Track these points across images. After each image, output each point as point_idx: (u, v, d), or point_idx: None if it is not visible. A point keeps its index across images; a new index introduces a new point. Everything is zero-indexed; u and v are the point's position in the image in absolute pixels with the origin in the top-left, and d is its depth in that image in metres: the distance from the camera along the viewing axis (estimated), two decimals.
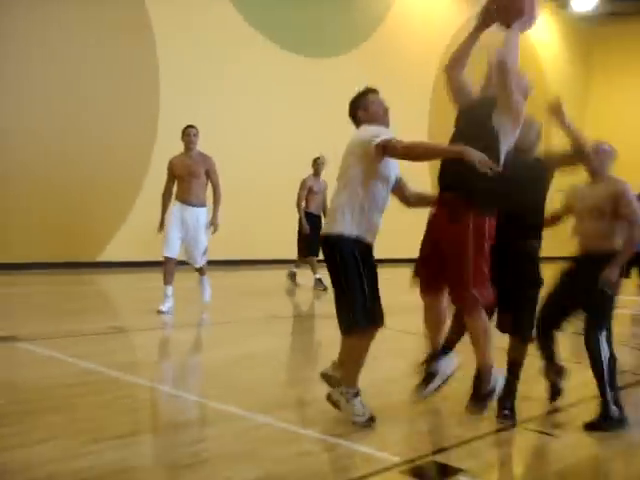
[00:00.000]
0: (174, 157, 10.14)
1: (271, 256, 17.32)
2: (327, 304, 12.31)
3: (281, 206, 17.00)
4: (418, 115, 21.79)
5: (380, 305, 5.38)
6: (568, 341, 10.31)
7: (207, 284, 10.48)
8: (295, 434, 5.21)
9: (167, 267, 9.85)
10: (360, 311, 5.16)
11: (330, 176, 17.65)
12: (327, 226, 5.41)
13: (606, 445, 5.63)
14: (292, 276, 13.90)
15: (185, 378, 6.86)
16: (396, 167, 5.54)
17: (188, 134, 9.99)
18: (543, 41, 27.42)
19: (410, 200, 5.74)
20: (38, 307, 10.31)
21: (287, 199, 15.95)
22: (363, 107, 5.58)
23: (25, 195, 13.40)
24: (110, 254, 14.60)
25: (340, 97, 19.61)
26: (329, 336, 9.82)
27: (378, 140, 5.16)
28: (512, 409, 5.72)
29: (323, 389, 5.57)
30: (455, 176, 5.27)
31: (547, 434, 5.61)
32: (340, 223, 5.23)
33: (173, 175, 10.03)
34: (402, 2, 21.32)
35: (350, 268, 5.14)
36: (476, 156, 4.80)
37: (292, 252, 14.19)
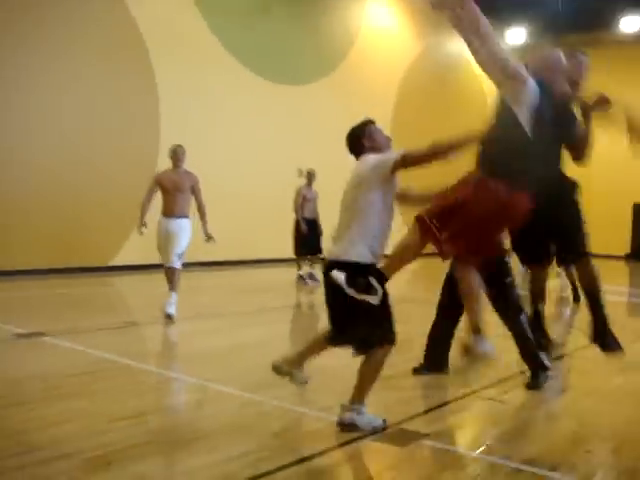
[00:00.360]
0: (161, 173, 9.48)
1: (266, 256, 17.31)
2: (316, 295, 12.38)
3: (266, 212, 17.03)
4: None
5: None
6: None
7: (175, 299, 8.99)
8: (284, 409, 5.22)
9: (167, 275, 9.12)
10: (390, 327, 4.75)
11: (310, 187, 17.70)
12: (339, 252, 4.67)
13: (544, 407, 5.70)
14: (301, 278, 13.74)
15: (187, 364, 6.81)
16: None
17: (176, 152, 9.33)
18: None
19: (408, 199, 5.44)
20: (60, 307, 10.25)
21: (272, 206, 16.00)
22: (368, 136, 4.98)
23: (43, 206, 13.27)
24: (121, 259, 14.48)
25: (313, 120, 19.77)
26: (312, 324, 9.90)
27: (396, 155, 4.72)
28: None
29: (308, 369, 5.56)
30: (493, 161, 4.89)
31: (497, 401, 5.65)
32: (354, 252, 4.60)
33: (158, 188, 9.23)
34: (364, 37, 21.31)
35: (373, 289, 4.50)
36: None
37: (283, 252, 14.27)
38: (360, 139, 4.97)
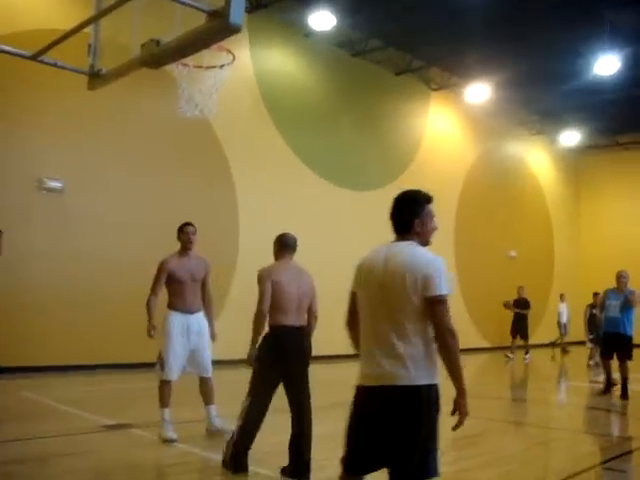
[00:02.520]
0: (170, 258, 7.64)
1: (329, 352, 17.20)
2: None
3: (331, 310, 17.00)
4: (445, 231, 21.90)
5: None
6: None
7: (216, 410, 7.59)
8: None
9: (167, 390, 7.29)
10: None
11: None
12: (399, 376, 3.47)
13: None
14: None
15: (265, 457, 6.73)
16: None
17: (186, 232, 7.55)
18: (541, 167, 27.72)
19: None
20: (144, 399, 10.30)
21: (336, 305, 15.91)
22: (421, 217, 3.88)
23: (123, 303, 13.52)
24: None
25: (378, 224, 19.95)
26: None
27: (438, 293, 3.49)
28: None
29: None
30: None
31: None
32: (417, 373, 3.47)
33: (168, 278, 7.48)
34: (427, 145, 21.72)
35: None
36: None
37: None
38: (413, 218, 3.89)
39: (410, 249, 3.72)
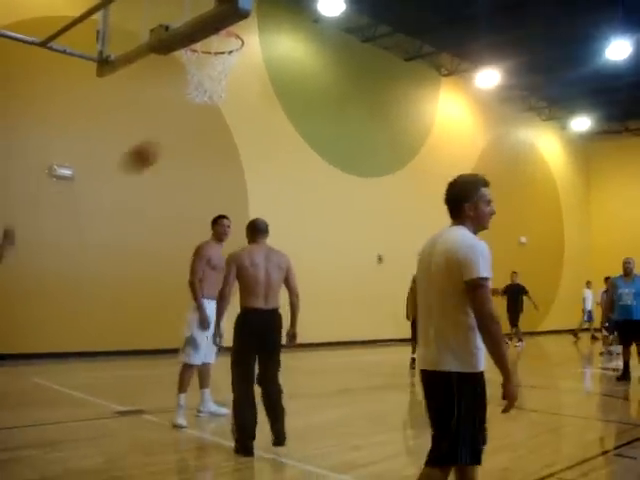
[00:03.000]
0: (208, 243, 7.61)
1: (343, 338, 17.22)
2: (394, 377, 12.22)
3: (347, 294, 17.04)
4: None
5: None
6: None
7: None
8: None
9: (189, 376, 7.40)
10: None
11: (385, 272, 17.71)
12: (434, 362, 3.52)
13: None
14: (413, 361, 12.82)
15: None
16: None
17: (222, 225, 7.67)
18: (551, 153, 27.57)
19: None
20: (156, 386, 10.37)
21: (350, 289, 15.98)
22: (472, 201, 3.82)
23: (141, 292, 13.59)
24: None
25: (389, 209, 19.92)
26: (390, 404, 9.72)
27: (477, 276, 3.44)
28: None
29: (390, 450, 5.44)
30: None
31: None
32: (449, 359, 3.48)
33: (207, 263, 7.42)
34: (437, 130, 21.65)
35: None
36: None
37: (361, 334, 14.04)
38: (463, 202, 3.86)
39: (455, 233, 3.70)
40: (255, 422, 5.93)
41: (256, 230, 6.31)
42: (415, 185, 19.98)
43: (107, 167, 13.54)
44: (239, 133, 15.79)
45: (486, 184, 3.92)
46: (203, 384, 7.69)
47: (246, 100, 15.93)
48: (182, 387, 7.21)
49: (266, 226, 6.38)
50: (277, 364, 6.13)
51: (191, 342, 7.31)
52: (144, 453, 5.89)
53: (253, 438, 5.89)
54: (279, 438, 5.90)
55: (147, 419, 7.47)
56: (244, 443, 5.86)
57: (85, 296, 13.04)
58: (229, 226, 7.70)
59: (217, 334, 6.18)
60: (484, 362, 3.54)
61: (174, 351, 12.78)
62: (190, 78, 9.26)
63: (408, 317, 12.96)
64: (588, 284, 23.01)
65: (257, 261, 6.09)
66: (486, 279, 3.45)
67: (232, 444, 6.01)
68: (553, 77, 21.67)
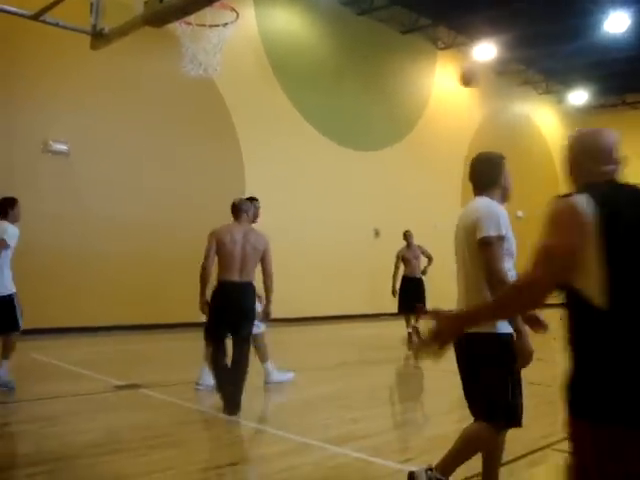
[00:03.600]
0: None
1: (337, 312, 17.25)
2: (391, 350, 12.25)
3: (339, 269, 17.04)
4: (453, 192, 21.80)
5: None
6: None
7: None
8: (366, 462, 5.12)
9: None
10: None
11: (375, 247, 17.65)
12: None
13: None
14: (413, 333, 12.78)
15: (272, 417, 6.78)
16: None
17: (255, 207, 7.59)
18: (548, 127, 27.48)
19: None
20: (153, 360, 10.40)
21: (345, 263, 15.95)
22: (503, 174, 4.09)
23: (136, 267, 13.57)
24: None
25: (386, 182, 19.83)
26: (393, 379, 9.76)
27: (485, 234, 3.63)
28: None
29: (386, 423, 5.46)
30: None
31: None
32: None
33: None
34: (434, 103, 21.53)
35: None
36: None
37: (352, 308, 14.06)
38: (497, 177, 4.05)
39: (477, 201, 3.89)
40: (229, 373, 6.43)
41: (237, 210, 6.71)
42: (412, 159, 19.93)
43: (103, 142, 13.50)
44: (235, 107, 15.68)
45: (504, 158, 4.13)
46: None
47: (242, 73, 15.80)
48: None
49: (248, 207, 6.80)
50: (250, 333, 6.67)
51: None
52: (143, 427, 5.91)
53: (233, 392, 6.36)
54: (231, 403, 6.31)
55: (146, 393, 7.48)
56: (226, 399, 6.37)
57: (83, 271, 13.02)
58: (259, 208, 7.77)
59: (201, 302, 6.61)
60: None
61: (173, 326, 12.81)
62: (185, 51, 9.18)
63: (394, 293, 13.01)
64: None
65: (236, 238, 6.49)
66: (493, 237, 3.58)
67: (230, 417, 6.04)
68: (550, 50, 21.52)
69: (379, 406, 7.67)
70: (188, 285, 14.21)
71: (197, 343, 7.92)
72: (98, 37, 6.70)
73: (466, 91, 23.14)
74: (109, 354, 10.73)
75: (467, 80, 7.58)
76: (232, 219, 6.76)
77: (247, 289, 6.54)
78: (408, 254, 13.33)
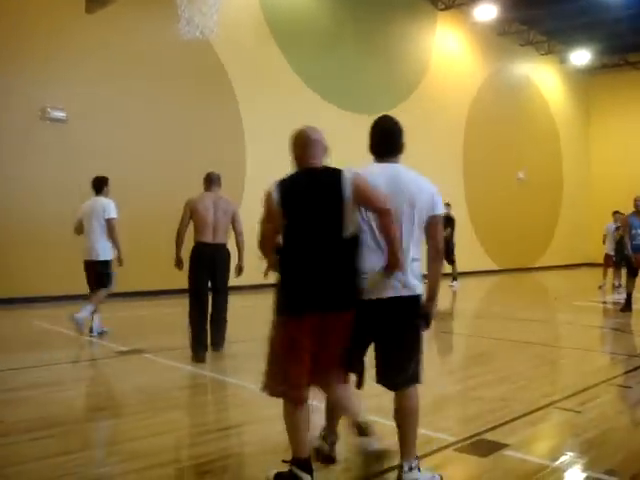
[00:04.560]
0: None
1: None
2: None
3: None
4: (453, 154, 21.72)
5: None
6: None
7: None
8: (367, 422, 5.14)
9: None
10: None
11: None
12: (411, 288, 3.77)
13: (623, 417, 5.50)
14: None
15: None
16: None
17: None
18: (550, 88, 27.21)
19: None
20: (156, 326, 10.44)
21: None
22: (403, 139, 4.12)
23: (146, 233, 13.54)
24: None
25: None
26: None
27: (440, 213, 3.86)
28: None
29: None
30: None
31: (576, 412, 5.46)
32: (419, 283, 3.83)
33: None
34: (435, 64, 21.29)
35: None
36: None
37: None
38: (402, 141, 4.10)
39: (411, 171, 4.00)
40: (205, 333, 7.49)
41: (209, 181, 7.75)
42: (413, 121, 19.61)
43: (101, 108, 13.39)
44: (233, 69, 15.49)
45: None
46: None
47: (239, 35, 15.61)
48: None
49: (218, 178, 7.80)
50: (225, 285, 7.73)
51: None
52: (147, 391, 5.93)
53: (205, 348, 7.41)
54: (217, 341, 7.65)
55: (149, 358, 7.51)
56: (196, 350, 7.27)
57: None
58: None
59: (175, 259, 7.72)
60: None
61: (175, 292, 12.84)
62: (181, 13, 9.08)
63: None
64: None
65: (207, 205, 7.50)
66: (442, 215, 3.94)
67: (234, 381, 6.07)
68: (552, 10, 21.22)
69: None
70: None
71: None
72: (93, 0, 6.62)
73: (467, 53, 22.94)
74: (112, 320, 10.73)
75: None
76: (204, 189, 7.79)
77: (220, 248, 7.56)
78: None
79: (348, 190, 3.56)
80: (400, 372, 3.84)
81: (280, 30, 16.67)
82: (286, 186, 3.69)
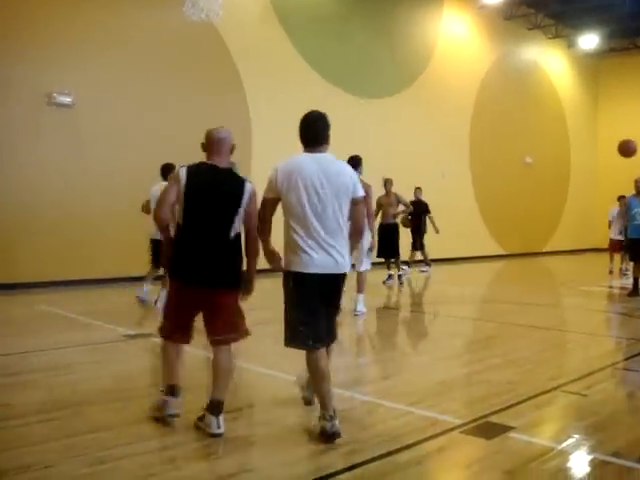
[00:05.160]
0: None
1: None
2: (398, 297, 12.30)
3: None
4: (460, 139, 21.62)
5: None
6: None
7: None
8: (374, 404, 5.17)
9: None
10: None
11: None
12: (342, 264, 4.42)
13: (629, 400, 5.51)
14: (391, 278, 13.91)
15: (280, 361, 6.82)
16: None
17: None
18: (558, 72, 27.04)
19: None
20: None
21: None
22: (329, 132, 4.59)
23: (140, 218, 13.52)
24: None
25: (396, 130, 19.65)
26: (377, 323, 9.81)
27: (361, 195, 4.53)
28: None
29: (393, 368, 5.48)
30: None
31: (582, 395, 5.47)
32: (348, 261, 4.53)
33: None
34: (442, 48, 21.15)
35: None
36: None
37: None
38: (328, 131, 4.57)
39: (336, 160, 4.54)
40: None
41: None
42: (420, 106, 19.71)
43: (107, 93, 13.35)
44: (238, 53, 15.35)
45: None
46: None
47: (245, 19, 15.52)
48: None
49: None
50: None
51: None
52: (154, 374, 5.96)
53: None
54: None
55: (156, 342, 7.51)
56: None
57: (89, 223, 12.97)
58: None
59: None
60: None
61: None
62: None
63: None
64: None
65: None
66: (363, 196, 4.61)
67: (240, 364, 6.09)
68: None
69: (385, 351, 7.73)
70: None
71: None
72: None
73: (474, 36, 22.80)
74: (119, 305, 10.78)
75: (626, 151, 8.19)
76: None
77: None
78: (384, 201, 13.71)
79: (246, 200, 4.45)
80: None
81: (286, 12, 16.55)
82: (192, 173, 4.47)
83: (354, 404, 5.19)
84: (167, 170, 9.52)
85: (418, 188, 15.92)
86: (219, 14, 9.15)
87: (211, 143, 4.70)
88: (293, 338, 4.41)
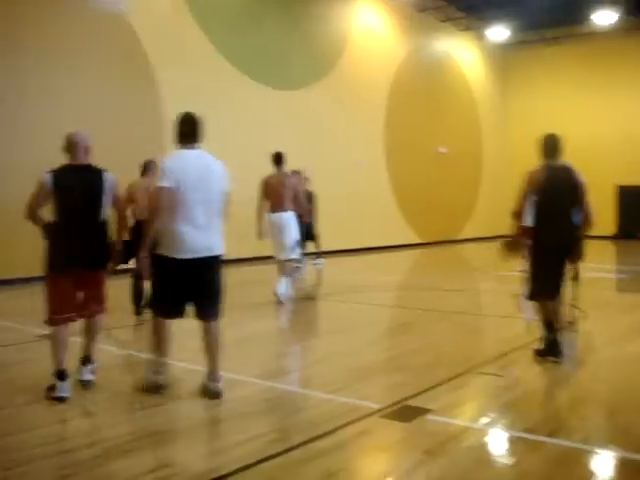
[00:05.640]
0: None
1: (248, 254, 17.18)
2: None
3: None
4: (375, 130, 21.84)
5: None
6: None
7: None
8: (296, 394, 5.21)
9: None
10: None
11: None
12: (218, 247, 5.30)
13: (540, 379, 5.71)
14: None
15: (202, 355, 6.78)
16: None
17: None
18: (469, 64, 27.60)
19: None
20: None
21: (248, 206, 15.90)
22: (203, 130, 5.32)
23: None
24: None
25: (308, 122, 19.61)
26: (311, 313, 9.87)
27: (229, 189, 5.45)
28: None
29: (313, 357, 5.52)
30: None
31: (497, 375, 5.64)
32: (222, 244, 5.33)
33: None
34: (354, 41, 21.26)
35: None
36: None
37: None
38: (202, 128, 5.27)
39: (210, 156, 5.29)
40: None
41: (146, 168, 8.85)
42: (333, 97, 19.76)
43: (17, 85, 12.89)
44: (149, 44, 14.95)
45: None
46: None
47: (156, 9, 15.26)
48: None
49: (153, 166, 8.54)
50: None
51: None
52: (71, 372, 5.83)
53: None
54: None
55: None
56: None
57: (7, 220, 12.58)
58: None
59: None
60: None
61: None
62: None
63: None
64: None
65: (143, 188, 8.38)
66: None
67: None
68: None
69: (306, 340, 7.78)
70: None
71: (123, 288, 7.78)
72: None
73: (387, 29, 23.05)
74: (28, 305, 10.47)
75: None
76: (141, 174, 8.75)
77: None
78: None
79: (107, 186, 5.22)
80: None
81: (198, 3, 16.32)
82: (57, 176, 5.12)
83: (276, 394, 5.21)
84: (150, 166, 9.23)
85: (302, 175, 14.55)
86: (127, 4, 8.96)
87: (69, 145, 5.26)
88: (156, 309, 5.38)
